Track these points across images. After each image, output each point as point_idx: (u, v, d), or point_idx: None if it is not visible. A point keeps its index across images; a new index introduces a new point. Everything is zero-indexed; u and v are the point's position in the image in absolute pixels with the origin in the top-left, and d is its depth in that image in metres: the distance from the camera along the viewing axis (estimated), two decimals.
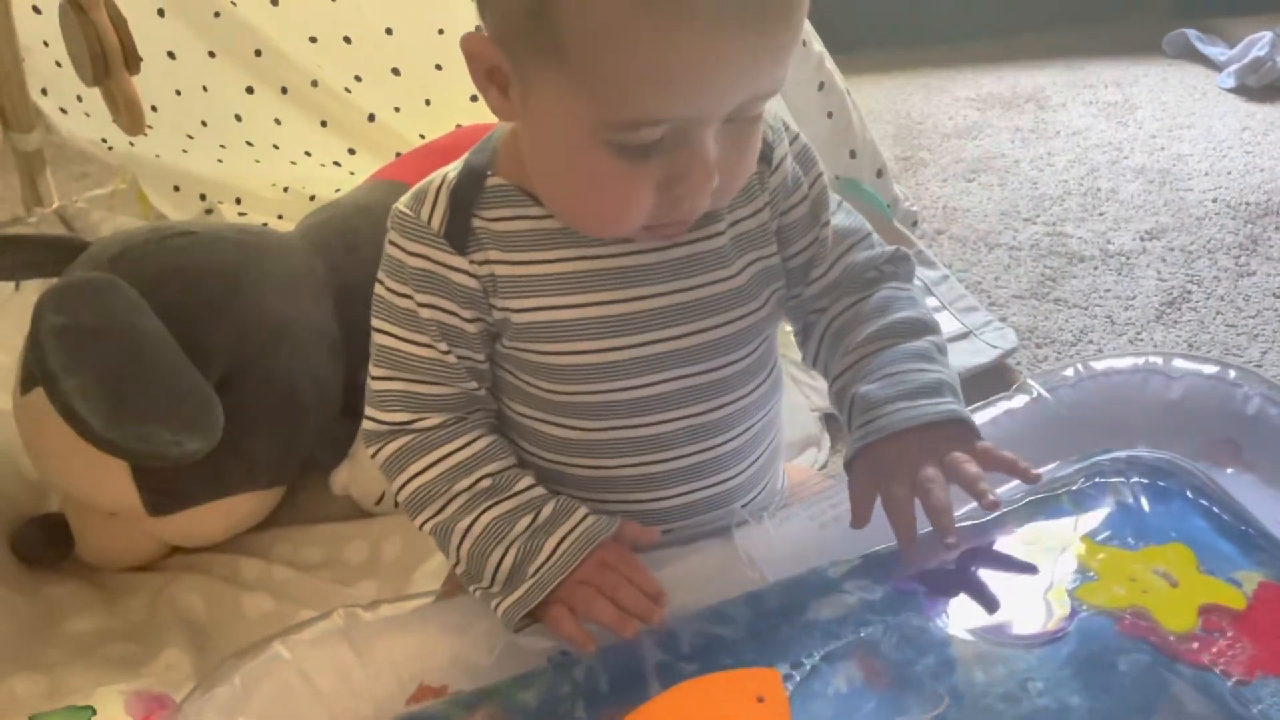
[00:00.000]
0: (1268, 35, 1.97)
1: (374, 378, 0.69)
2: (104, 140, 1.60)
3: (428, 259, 0.65)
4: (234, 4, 1.48)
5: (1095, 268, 1.44)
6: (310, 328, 0.99)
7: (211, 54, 1.52)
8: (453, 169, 0.67)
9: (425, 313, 0.66)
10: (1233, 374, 0.80)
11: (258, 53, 1.52)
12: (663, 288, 0.65)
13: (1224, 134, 1.81)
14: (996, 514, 0.69)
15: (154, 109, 1.56)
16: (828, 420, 1.16)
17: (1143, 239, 1.50)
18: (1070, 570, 0.63)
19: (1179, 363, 0.81)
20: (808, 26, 1.31)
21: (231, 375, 0.93)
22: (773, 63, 0.55)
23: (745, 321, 0.68)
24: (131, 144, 1.61)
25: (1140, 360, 0.82)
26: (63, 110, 1.60)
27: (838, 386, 0.69)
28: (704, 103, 0.54)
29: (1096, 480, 0.73)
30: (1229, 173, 1.67)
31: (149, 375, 0.88)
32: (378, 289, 0.68)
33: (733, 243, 0.67)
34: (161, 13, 1.47)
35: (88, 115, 1.56)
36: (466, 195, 0.65)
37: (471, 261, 0.64)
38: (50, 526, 1.01)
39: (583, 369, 0.66)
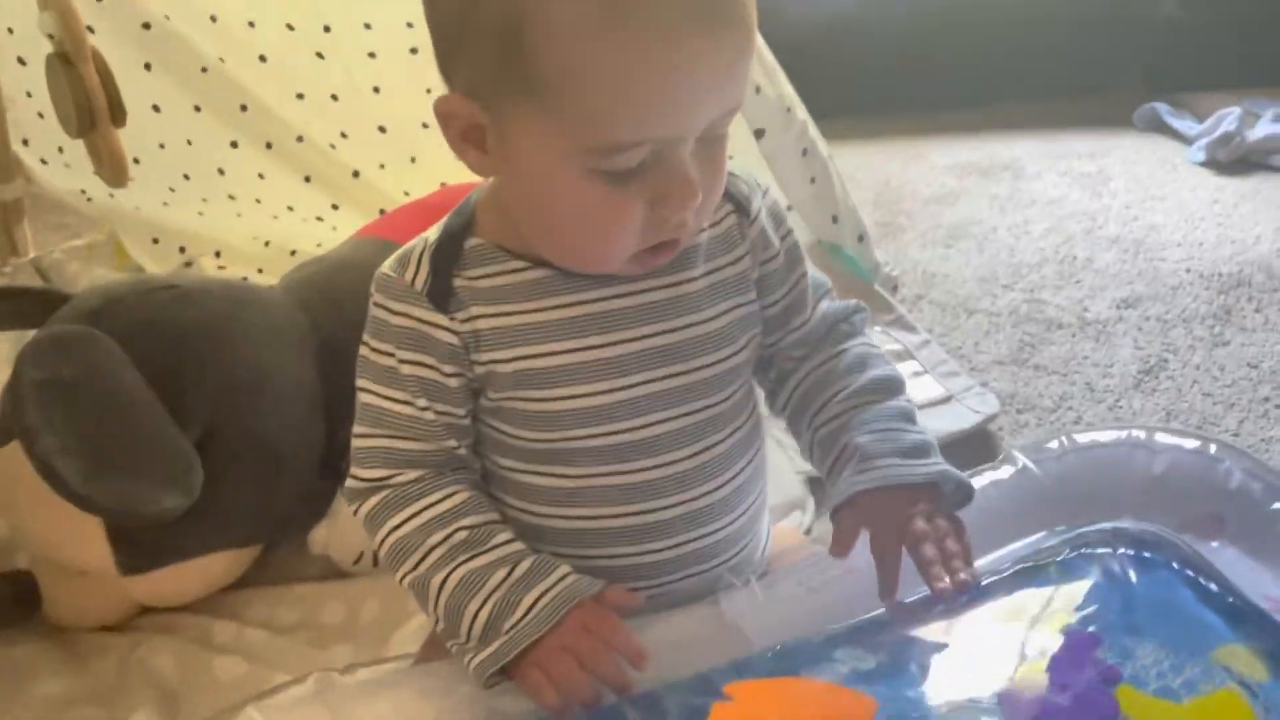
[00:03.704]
0: (1236, 110, 2.02)
1: (356, 435, 0.70)
2: (83, 192, 1.59)
3: (410, 316, 0.67)
4: (222, 60, 1.48)
5: (1073, 335, 1.46)
6: (292, 383, 0.98)
7: (197, 108, 1.52)
8: (433, 232, 0.69)
9: (406, 369, 0.67)
10: (1213, 448, 0.81)
11: (243, 108, 1.52)
12: (644, 330, 0.67)
13: (1195, 206, 1.84)
14: (983, 582, 0.69)
15: (136, 161, 1.55)
16: (813, 483, 1.16)
17: (1119, 307, 1.52)
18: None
19: (1161, 437, 0.82)
20: (791, 94, 1.33)
21: (211, 430, 0.92)
22: (733, 72, 0.58)
23: (724, 365, 0.70)
24: (111, 195, 1.60)
25: (1124, 434, 0.83)
26: (43, 161, 1.60)
27: (822, 434, 0.72)
28: (677, 117, 0.57)
29: (1083, 551, 0.73)
30: (1201, 244, 1.70)
31: (128, 431, 0.87)
32: (362, 350, 0.69)
33: (710, 288, 0.69)
34: (149, 67, 1.48)
35: (68, 166, 1.56)
36: (447, 257, 0.67)
37: (453, 319, 0.66)
38: (17, 584, 0.98)
39: (570, 414, 0.67)
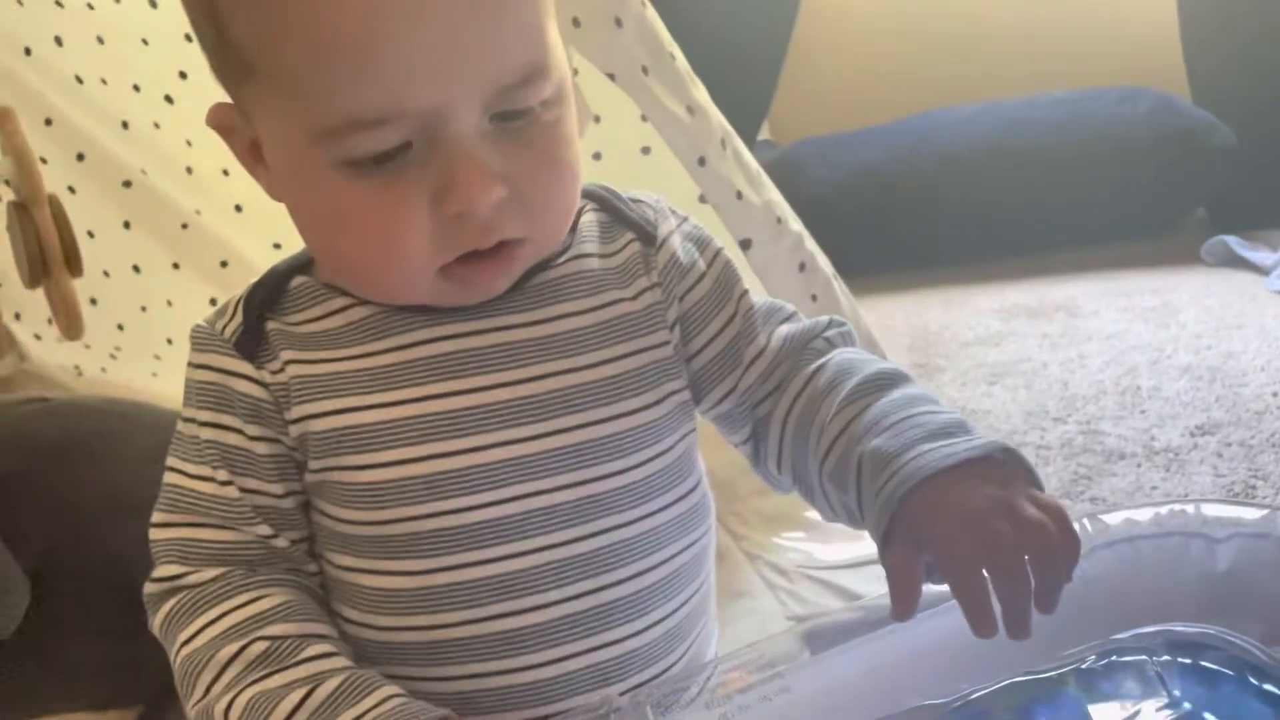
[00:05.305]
0: None
1: (153, 525, 0.57)
2: (76, 367, 1.56)
3: (210, 368, 0.55)
4: (198, 213, 1.45)
5: (1139, 464, 1.25)
6: None
7: (176, 265, 1.48)
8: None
9: (206, 433, 0.55)
10: None
11: (223, 264, 1.48)
12: (500, 377, 0.53)
13: (1279, 332, 1.64)
14: (979, 693, 0.50)
15: (120, 328, 1.52)
16: (811, 638, 0.95)
17: (1193, 435, 1.31)
18: None
19: (1216, 510, 0.62)
20: (781, 202, 1.21)
21: (50, 553, 0.77)
22: (495, 21, 0.46)
23: (625, 422, 0.55)
24: (104, 370, 1.57)
25: (1164, 510, 0.63)
26: (37, 337, 1.57)
27: (830, 465, 0.54)
28: (420, 80, 0.45)
29: (1113, 659, 0.53)
30: None
31: None
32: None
33: (598, 328, 0.56)
34: (128, 225, 1.45)
35: (59, 340, 1.52)
36: (264, 298, 0.56)
37: (260, 368, 0.54)
38: None
39: (403, 485, 0.53)
